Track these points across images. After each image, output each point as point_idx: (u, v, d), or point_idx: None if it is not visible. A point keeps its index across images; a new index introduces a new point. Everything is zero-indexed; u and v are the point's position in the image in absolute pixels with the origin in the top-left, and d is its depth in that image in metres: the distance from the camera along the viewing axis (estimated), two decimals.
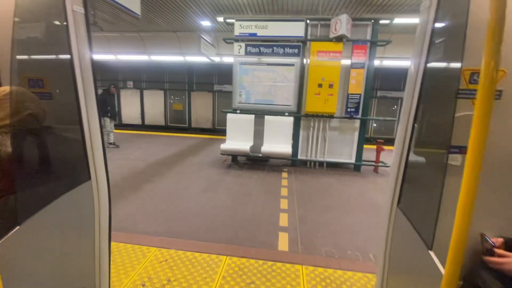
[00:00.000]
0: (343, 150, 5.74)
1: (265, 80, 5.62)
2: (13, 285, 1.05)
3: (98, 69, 13.72)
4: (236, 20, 5.51)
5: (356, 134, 5.62)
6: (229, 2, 6.57)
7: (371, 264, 2.39)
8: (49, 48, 1.36)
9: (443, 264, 1.00)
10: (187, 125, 13.94)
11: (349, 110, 5.43)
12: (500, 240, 0.95)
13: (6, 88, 1.00)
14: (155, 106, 14.00)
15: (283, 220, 3.25)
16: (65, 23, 1.27)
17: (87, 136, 1.49)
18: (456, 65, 1.13)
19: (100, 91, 12.30)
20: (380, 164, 5.72)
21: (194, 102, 13.76)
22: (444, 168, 1.09)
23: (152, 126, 13.72)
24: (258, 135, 5.75)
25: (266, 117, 5.67)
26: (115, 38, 10.37)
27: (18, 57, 1.13)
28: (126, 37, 10.23)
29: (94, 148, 1.54)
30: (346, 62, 5.37)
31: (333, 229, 3.07)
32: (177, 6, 7.07)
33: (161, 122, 14.10)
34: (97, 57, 11.39)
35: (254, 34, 5.47)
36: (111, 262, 2.18)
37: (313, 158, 5.80)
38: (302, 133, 5.79)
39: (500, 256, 0.91)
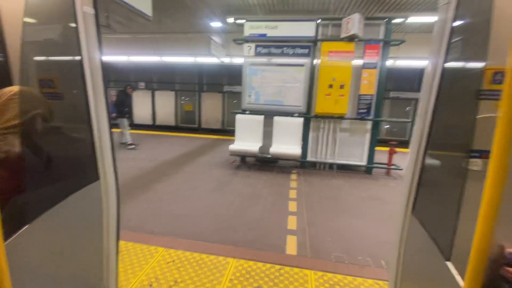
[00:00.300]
0: (354, 152, 5.62)
1: (275, 81, 5.58)
2: (22, 283, 1.05)
3: (111, 70, 14.05)
4: (246, 21, 5.50)
5: (368, 135, 5.49)
6: (240, 2, 6.57)
7: (382, 271, 2.31)
8: (59, 48, 1.37)
9: (462, 276, 0.94)
10: (197, 126, 14.05)
11: (360, 111, 5.32)
12: None
13: (13, 88, 1.00)
14: (166, 106, 14.19)
15: (292, 223, 3.20)
16: (74, 24, 1.28)
17: (96, 137, 1.50)
18: (477, 64, 1.06)
19: (111, 92, 12.55)
20: (392, 167, 5.57)
21: (204, 102, 13.87)
22: (464, 173, 1.03)
23: (163, 126, 13.91)
24: (267, 136, 5.71)
25: (275, 118, 5.62)
26: (127, 40, 10.59)
27: (27, 57, 1.14)
28: (138, 38, 10.42)
29: (103, 148, 1.55)
30: (358, 62, 5.26)
31: (343, 233, 2.99)
32: (188, 8, 7.14)
33: (172, 122, 14.28)
34: (110, 58, 11.67)
35: (264, 35, 5.45)
36: (120, 261, 2.20)
37: (323, 160, 5.71)
38: (311, 134, 5.71)
39: None
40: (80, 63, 1.35)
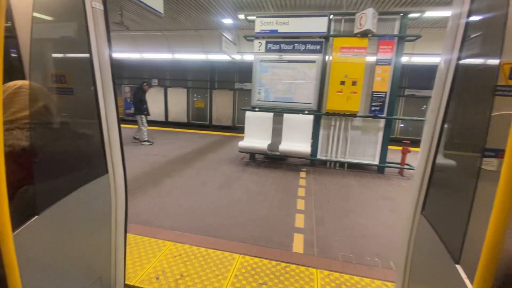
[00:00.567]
0: (366, 151, 5.50)
1: (285, 78, 5.52)
2: (30, 272, 1.09)
3: (125, 67, 14.36)
4: (257, 17, 5.46)
5: (381, 134, 5.35)
6: None
7: (391, 272, 2.25)
8: (69, 44, 1.40)
9: (471, 280, 0.90)
10: (208, 123, 14.18)
11: (373, 108, 5.19)
12: None
13: (17, 83, 1.03)
14: (178, 103, 14.38)
15: (299, 221, 3.17)
16: (84, 20, 1.30)
17: (105, 131, 1.53)
18: (493, 59, 1.00)
19: (125, 89, 12.79)
20: (405, 166, 5.42)
21: (215, 100, 13.95)
22: (476, 173, 0.98)
23: (175, 123, 14.12)
24: (277, 133, 5.68)
25: (285, 115, 5.57)
26: (141, 37, 10.78)
27: (37, 53, 1.17)
28: (151, 36, 10.58)
29: (112, 142, 1.58)
30: (371, 58, 5.13)
31: (351, 233, 2.94)
32: (200, 4, 7.17)
33: (184, 119, 14.47)
34: (124, 55, 11.91)
35: (275, 31, 5.39)
36: (128, 254, 2.25)
37: (333, 158, 5.62)
38: (322, 132, 5.63)
39: None
40: (90, 59, 1.38)
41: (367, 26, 4.70)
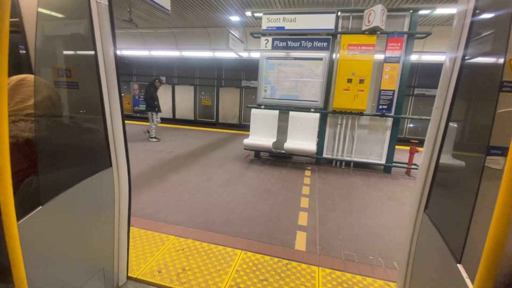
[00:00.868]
0: (373, 150, 5.43)
1: (291, 75, 5.49)
2: (34, 261, 1.12)
3: (134, 64, 14.52)
4: (264, 14, 5.43)
5: (388, 133, 5.27)
6: None
7: (394, 272, 2.22)
8: (74, 39, 1.42)
9: (472, 280, 0.88)
10: (214, 120, 14.24)
11: (381, 107, 5.11)
12: None
13: (20, 76, 1.06)
14: (185, 101, 14.49)
15: (303, 219, 3.16)
16: (89, 15, 1.32)
17: (109, 125, 1.56)
18: (499, 55, 0.97)
19: (134, 86, 12.95)
20: (413, 166, 5.33)
21: (222, 97, 14.00)
22: (480, 171, 0.95)
23: (182, 120, 14.24)
24: (282, 131, 5.66)
25: (291, 112, 5.54)
26: (149, 35, 10.87)
27: (42, 47, 1.20)
28: (160, 33, 10.66)
29: (116, 136, 1.61)
30: (379, 56, 5.04)
31: (355, 232, 2.92)
32: (207, 2, 7.18)
33: (191, 116, 14.58)
34: (133, 52, 12.04)
35: (282, 28, 5.36)
36: (132, 247, 2.29)
37: (339, 157, 5.57)
38: (328, 130, 5.58)
39: None
40: (94, 53, 1.40)
41: (376, 23, 4.62)
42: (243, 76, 13.64)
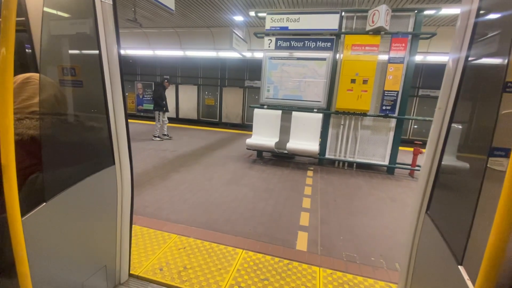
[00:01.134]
0: (376, 151, 5.40)
1: (294, 75, 5.48)
2: (38, 256, 1.14)
3: (138, 64, 14.60)
4: (268, 14, 5.43)
5: (391, 134, 5.24)
6: None
7: (396, 274, 2.21)
8: (78, 38, 1.44)
9: (474, 282, 0.88)
10: (217, 120, 14.28)
11: (384, 108, 5.08)
12: None
13: (26, 74, 1.08)
14: (188, 100, 14.54)
15: (304, 219, 3.16)
16: (93, 14, 1.34)
17: (112, 124, 1.57)
18: (502, 55, 0.97)
19: (138, 85, 13.03)
20: (416, 168, 5.29)
21: (225, 97, 14.02)
22: (482, 172, 0.95)
23: (185, 119, 14.29)
24: (285, 131, 5.66)
25: (294, 113, 5.54)
26: (153, 34, 10.93)
27: (47, 46, 1.21)
28: (164, 33, 10.71)
29: (119, 135, 1.62)
30: (383, 56, 5.01)
31: (357, 233, 2.91)
32: (211, 1, 7.20)
33: (194, 116, 14.63)
34: (137, 52, 12.11)
35: (286, 28, 5.35)
36: (134, 245, 2.31)
37: (342, 158, 5.55)
38: (331, 130, 5.56)
39: None
40: (99, 52, 1.41)
41: (380, 23, 4.59)
42: (246, 76, 13.65)
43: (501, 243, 0.68)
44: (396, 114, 5.05)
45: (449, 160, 1.22)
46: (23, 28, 1.50)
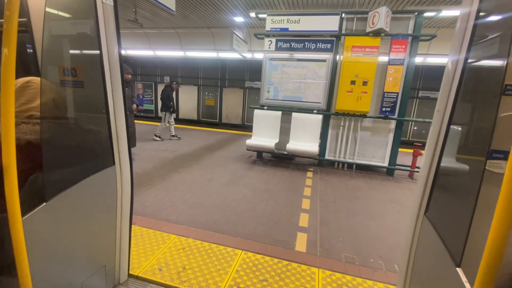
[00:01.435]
0: (376, 152, 5.41)
1: (295, 76, 5.49)
2: (37, 256, 1.14)
3: (139, 64, 14.61)
4: (268, 15, 5.45)
5: (391, 135, 5.25)
6: None
7: (395, 275, 2.21)
8: (80, 39, 1.45)
9: (472, 284, 0.88)
10: (217, 121, 14.28)
11: (384, 109, 5.09)
12: None
13: (26, 78, 1.08)
14: (189, 101, 14.55)
15: (303, 220, 3.16)
16: (94, 15, 1.34)
17: (112, 124, 1.58)
18: (501, 58, 0.97)
19: (138, 85, 13.04)
20: (415, 169, 5.29)
21: (225, 98, 14.03)
22: (481, 175, 0.95)
23: (185, 120, 14.30)
24: (284, 132, 5.66)
25: (294, 114, 5.55)
26: (154, 35, 10.94)
27: (49, 47, 1.22)
28: (164, 33, 10.73)
29: (119, 135, 1.63)
30: (383, 58, 5.03)
31: (356, 234, 2.91)
32: (211, 2, 7.21)
33: (194, 116, 14.63)
34: (138, 52, 12.12)
35: (286, 29, 5.36)
36: (134, 245, 2.31)
37: (342, 159, 5.56)
38: (331, 132, 5.57)
39: None
40: (99, 53, 1.42)
41: (380, 25, 4.60)
42: (246, 76, 13.66)
43: (499, 246, 0.68)
44: (396, 116, 5.06)
45: (448, 162, 1.23)
46: (25, 29, 1.51)
